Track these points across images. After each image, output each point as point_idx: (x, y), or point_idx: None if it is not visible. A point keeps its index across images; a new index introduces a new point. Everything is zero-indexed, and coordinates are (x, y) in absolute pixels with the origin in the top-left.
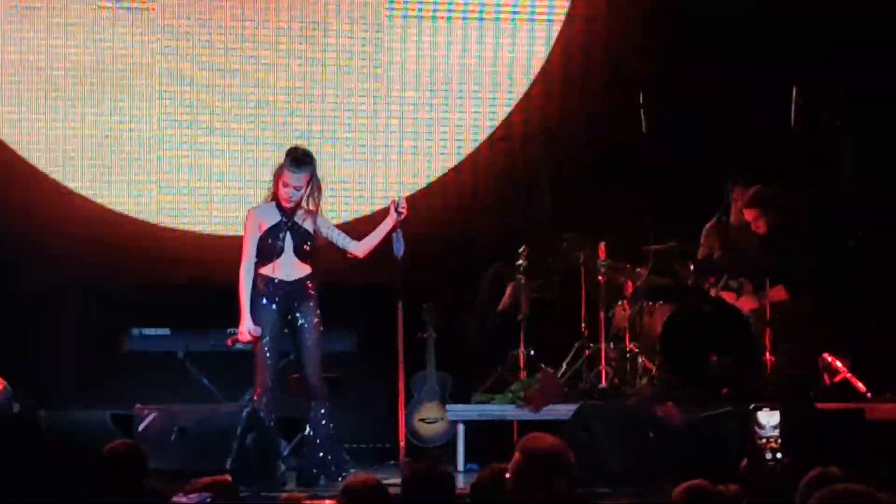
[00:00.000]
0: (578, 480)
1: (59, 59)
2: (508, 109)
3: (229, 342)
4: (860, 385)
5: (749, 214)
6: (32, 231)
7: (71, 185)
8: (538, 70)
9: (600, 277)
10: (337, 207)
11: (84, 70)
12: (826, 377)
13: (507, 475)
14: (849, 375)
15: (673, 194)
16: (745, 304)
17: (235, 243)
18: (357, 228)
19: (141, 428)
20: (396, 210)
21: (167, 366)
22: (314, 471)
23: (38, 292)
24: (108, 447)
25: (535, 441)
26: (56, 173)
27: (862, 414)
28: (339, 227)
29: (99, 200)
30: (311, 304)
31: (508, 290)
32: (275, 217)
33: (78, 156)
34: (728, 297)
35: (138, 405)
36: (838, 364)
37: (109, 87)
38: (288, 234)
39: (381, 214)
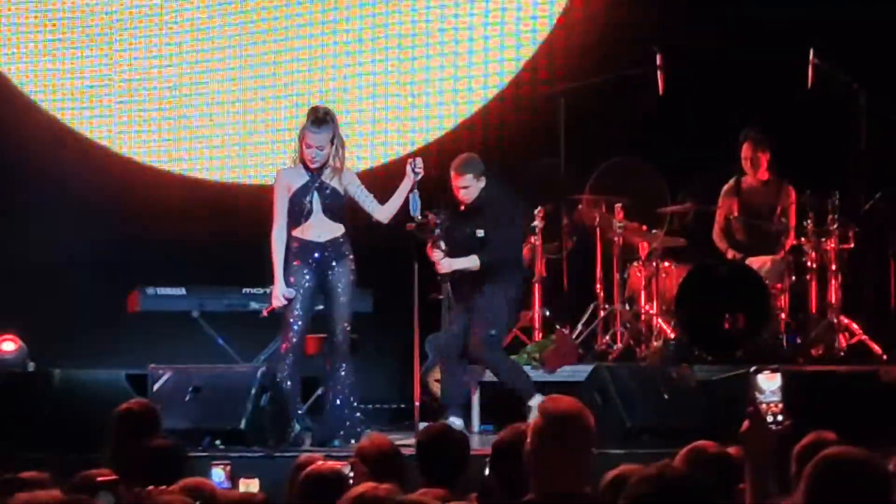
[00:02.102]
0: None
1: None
2: (519, 66)
3: (265, 312)
4: (875, 347)
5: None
6: (50, 188)
7: (87, 133)
8: (552, 28)
9: (616, 238)
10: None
11: (104, 17)
12: (842, 339)
13: (527, 437)
14: (864, 337)
15: (690, 155)
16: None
17: (252, 193)
18: (370, 180)
19: (156, 387)
20: (413, 171)
21: (183, 325)
22: (330, 431)
23: (52, 251)
24: (122, 406)
25: (555, 402)
26: (72, 121)
27: (875, 375)
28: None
29: (112, 147)
30: (346, 262)
31: (524, 252)
32: (302, 178)
33: (94, 102)
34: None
35: (153, 365)
36: (854, 326)
37: (128, 35)
38: (316, 194)
39: (395, 165)
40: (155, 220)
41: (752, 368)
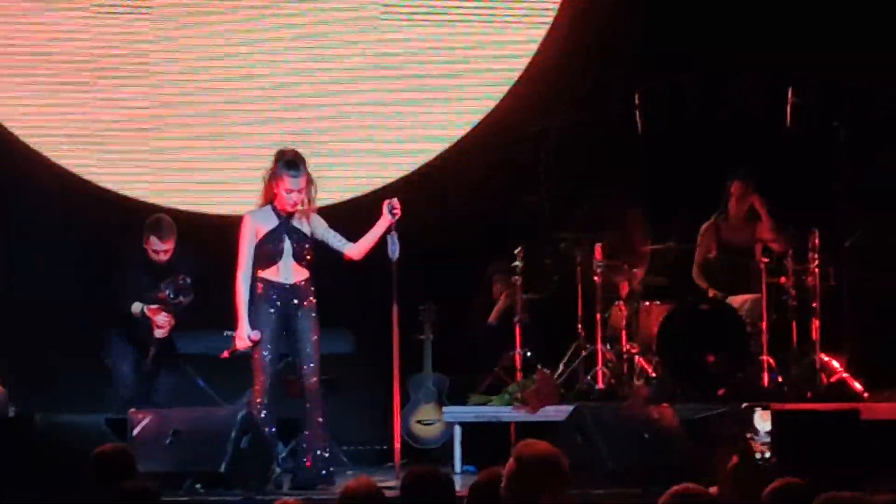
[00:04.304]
0: (573, 484)
1: (60, 44)
2: (495, 103)
3: (226, 354)
4: (857, 385)
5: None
6: (30, 226)
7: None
8: (533, 63)
9: (596, 278)
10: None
11: (85, 55)
12: (823, 377)
13: (502, 482)
14: (845, 375)
15: (670, 194)
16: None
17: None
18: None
19: (136, 431)
20: (390, 212)
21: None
22: (310, 474)
23: (32, 293)
24: (96, 450)
25: (529, 447)
26: (54, 155)
27: (857, 414)
28: (329, 209)
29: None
30: (310, 306)
31: (502, 298)
32: (272, 221)
33: (75, 138)
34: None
35: (133, 409)
36: (835, 364)
37: (108, 70)
38: (286, 237)
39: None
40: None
41: (744, 405)
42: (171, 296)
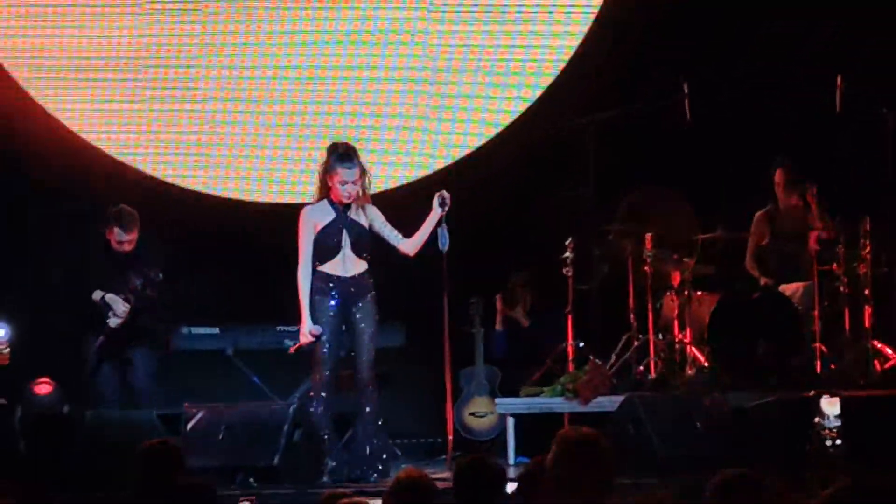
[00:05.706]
0: (619, 470)
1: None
2: (539, 94)
3: (291, 350)
4: None
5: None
6: (82, 220)
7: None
8: (580, 55)
9: (647, 268)
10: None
11: (134, 56)
12: (876, 363)
13: (546, 467)
14: None
15: (719, 183)
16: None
17: (285, 219)
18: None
19: (189, 426)
20: (441, 204)
21: (217, 363)
22: (364, 466)
23: (86, 289)
24: (143, 445)
25: (570, 432)
26: (105, 145)
27: None
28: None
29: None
30: (370, 299)
31: (499, 306)
32: (329, 215)
33: (123, 128)
34: None
35: (186, 404)
36: (888, 350)
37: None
38: (344, 230)
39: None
40: (188, 257)
41: (812, 393)
42: (140, 288)
